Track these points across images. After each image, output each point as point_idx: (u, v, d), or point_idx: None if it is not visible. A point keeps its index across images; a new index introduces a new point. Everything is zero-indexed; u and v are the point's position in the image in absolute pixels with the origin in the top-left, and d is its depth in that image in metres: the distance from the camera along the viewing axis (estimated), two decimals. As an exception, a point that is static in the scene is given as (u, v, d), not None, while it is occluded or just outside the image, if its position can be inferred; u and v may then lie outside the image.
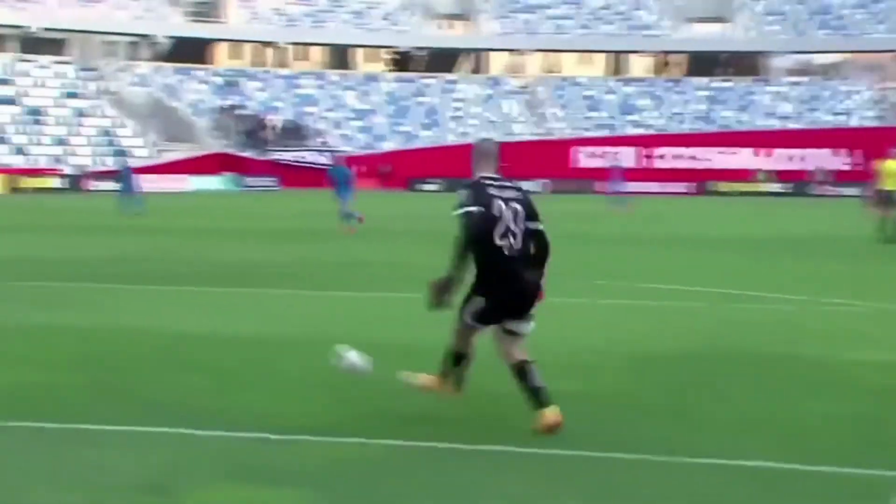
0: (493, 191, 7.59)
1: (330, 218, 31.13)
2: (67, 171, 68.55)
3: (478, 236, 7.42)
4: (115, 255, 21.04)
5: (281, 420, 7.77)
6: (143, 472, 6.61)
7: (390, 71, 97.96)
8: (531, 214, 7.64)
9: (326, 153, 77.17)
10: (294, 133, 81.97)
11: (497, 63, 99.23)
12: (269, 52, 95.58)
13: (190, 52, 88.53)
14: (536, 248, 7.66)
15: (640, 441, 7.36)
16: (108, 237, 26.39)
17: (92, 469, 6.64)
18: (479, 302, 7.55)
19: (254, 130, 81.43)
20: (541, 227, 7.67)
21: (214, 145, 79.00)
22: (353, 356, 7.93)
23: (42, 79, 79.91)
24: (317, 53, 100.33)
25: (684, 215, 42.89)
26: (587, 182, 73.89)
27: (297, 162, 78.48)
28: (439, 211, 31.65)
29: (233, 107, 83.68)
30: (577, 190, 73.22)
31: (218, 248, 23.01)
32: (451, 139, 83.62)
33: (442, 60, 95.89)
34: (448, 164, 74.25)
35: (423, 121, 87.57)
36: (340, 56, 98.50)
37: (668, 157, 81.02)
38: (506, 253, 7.47)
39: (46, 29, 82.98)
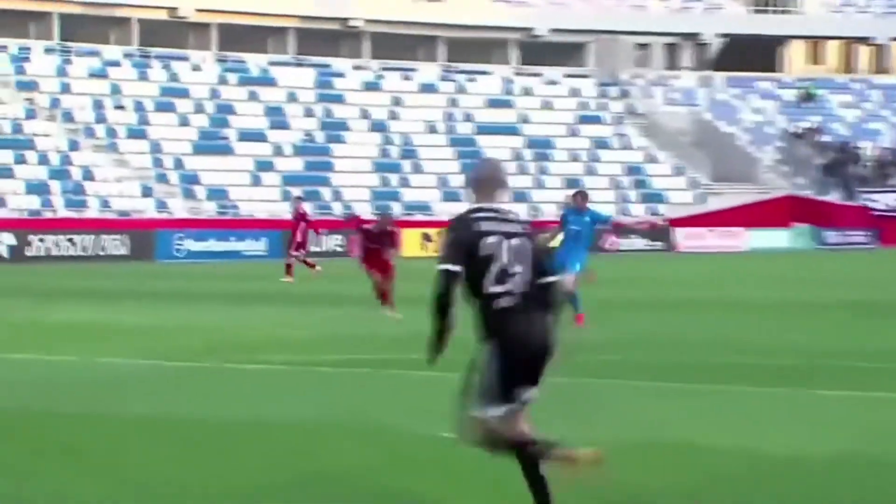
0: (486, 225, 8.58)
1: None
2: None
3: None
4: (618, 340, 22.03)
5: None
6: None
7: None
8: (542, 265, 8.67)
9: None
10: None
11: None
12: (864, 51, 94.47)
13: (750, 55, 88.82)
14: (546, 301, 8.70)
15: None
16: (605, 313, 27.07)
17: None
18: (487, 373, 8.44)
19: (840, 164, 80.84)
20: (554, 278, 8.77)
21: (782, 186, 78.81)
22: None
23: (550, 98, 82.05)
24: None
25: None
26: None
27: (893, 209, 76.78)
28: None
29: (810, 130, 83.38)
30: None
31: (768, 331, 24.17)
32: None
33: None
34: None
35: None
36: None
37: None
38: (503, 304, 8.45)
39: (553, 30, 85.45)
